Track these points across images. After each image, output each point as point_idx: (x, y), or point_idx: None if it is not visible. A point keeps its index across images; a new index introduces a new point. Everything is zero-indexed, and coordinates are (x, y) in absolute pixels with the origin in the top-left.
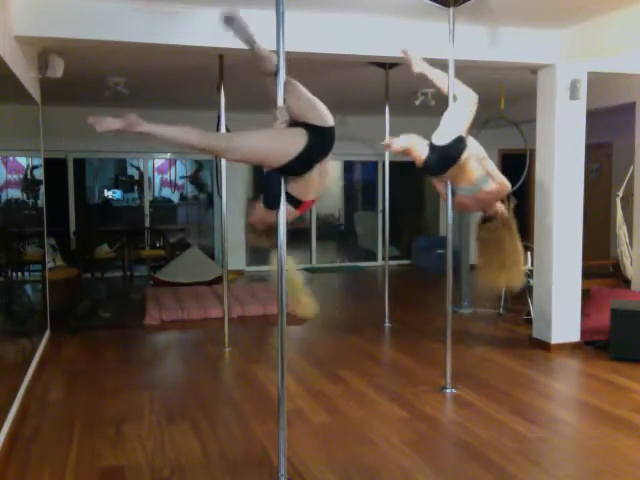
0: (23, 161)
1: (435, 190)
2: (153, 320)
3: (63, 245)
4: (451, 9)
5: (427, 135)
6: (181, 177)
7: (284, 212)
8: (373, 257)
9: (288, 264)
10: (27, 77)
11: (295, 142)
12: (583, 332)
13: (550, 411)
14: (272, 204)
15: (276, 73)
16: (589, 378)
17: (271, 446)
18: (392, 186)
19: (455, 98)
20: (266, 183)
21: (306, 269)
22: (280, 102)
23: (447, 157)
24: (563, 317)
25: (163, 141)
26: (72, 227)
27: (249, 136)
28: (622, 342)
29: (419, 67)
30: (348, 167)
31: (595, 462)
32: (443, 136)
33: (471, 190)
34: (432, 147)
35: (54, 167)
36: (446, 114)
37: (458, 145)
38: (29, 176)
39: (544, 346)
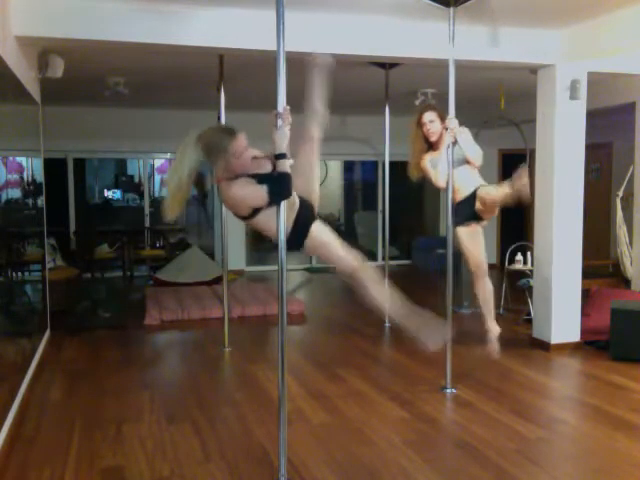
0: (23, 161)
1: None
2: (153, 320)
3: (63, 245)
4: (451, 9)
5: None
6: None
7: (284, 211)
8: (373, 257)
9: None
10: (27, 77)
11: None
12: (583, 332)
13: (550, 411)
14: (284, 197)
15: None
16: (589, 378)
17: (271, 446)
18: (392, 186)
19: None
20: (285, 178)
21: (306, 269)
22: (280, 104)
23: None
24: (563, 317)
25: None
26: (72, 227)
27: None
28: (622, 342)
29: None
30: (348, 167)
31: (595, 462)
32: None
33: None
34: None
35: (54, 167)
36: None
37: None
38: (29, 176)
39: (544, 346)
